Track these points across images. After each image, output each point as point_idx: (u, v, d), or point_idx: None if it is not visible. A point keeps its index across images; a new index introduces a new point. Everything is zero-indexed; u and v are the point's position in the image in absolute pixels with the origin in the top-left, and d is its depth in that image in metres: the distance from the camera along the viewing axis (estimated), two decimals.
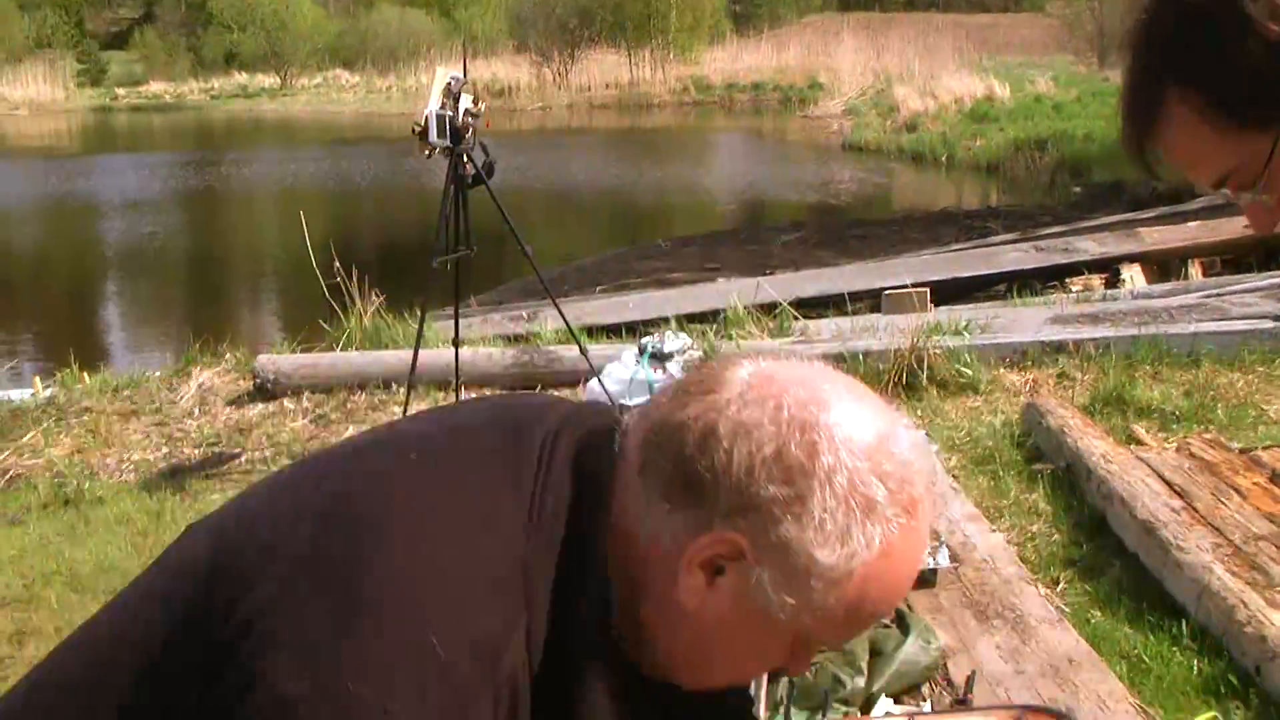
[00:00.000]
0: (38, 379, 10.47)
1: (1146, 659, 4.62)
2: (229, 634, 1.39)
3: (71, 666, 1.59)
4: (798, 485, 1.40)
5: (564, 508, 1.46)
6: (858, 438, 1.44)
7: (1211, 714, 3.61)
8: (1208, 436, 6.67)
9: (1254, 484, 5.87)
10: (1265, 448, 6.46)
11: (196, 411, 9.37)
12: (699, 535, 1.42)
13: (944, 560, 5.05)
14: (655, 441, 1.46)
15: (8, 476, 8.31)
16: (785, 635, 1.47)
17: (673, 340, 8.55)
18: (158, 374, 10.39)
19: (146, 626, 1.51)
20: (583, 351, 8.39)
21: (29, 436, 8.94)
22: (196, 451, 8.62)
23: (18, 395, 9.84)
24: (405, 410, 7.64)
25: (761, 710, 3.11)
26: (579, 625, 1.44)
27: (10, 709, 1.59)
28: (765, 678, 3.13)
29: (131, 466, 8.43)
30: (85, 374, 10.21)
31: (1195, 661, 4.57)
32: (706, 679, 1.56)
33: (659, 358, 8.36)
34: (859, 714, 3.76)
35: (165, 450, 8.70)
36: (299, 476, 1.60)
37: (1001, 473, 6.76)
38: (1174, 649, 4.68)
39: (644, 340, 8.65)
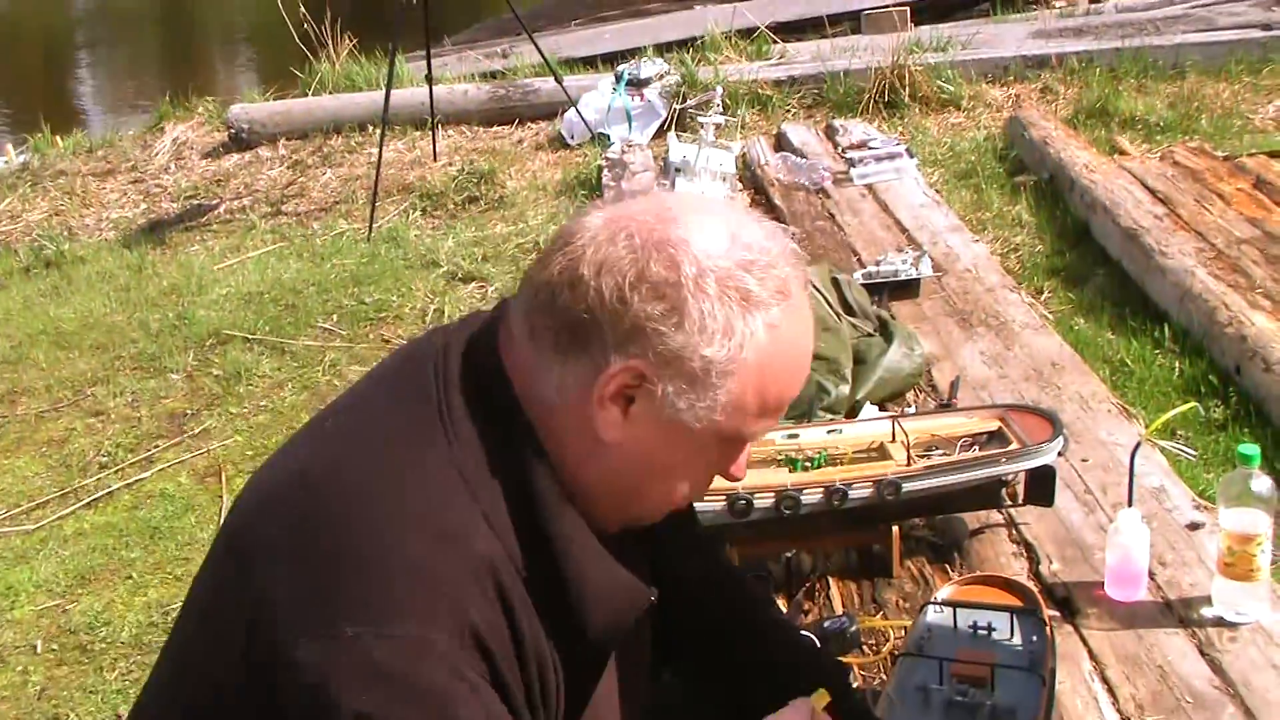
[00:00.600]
0: (10, 146, 10.31)
1: (1129, 362, 4.64)
2: (245, 629, 1.47)
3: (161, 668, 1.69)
4: (669, 298, 1.47)
5: (471, 405, 1.54)
6: (712, 241, 1.51)
7: (1191, 404, 3.64)
8: (1192, 145, 6.61)
9: (1238, 190, 5.84)
10: (1250, 154, 6.41)
11: (172, 166, 9.27)
12: (598, 374, 1.50)
13: (926, 270, 5.04)
14: (533, 306, 1.54)
15: None
16: (710, 441, 1.55)
17: (650, 65, 8.41)
18: (131, 132, 10.25)
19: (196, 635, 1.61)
20: (559, 81, 8.25)
21: (5, 203, 8.86)
22: (174, 205, 8.55)
23: None
24: (380, 150, 7.54)
25: None
26: (536, 496, 1.52)
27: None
28: None
29: (110, 225, 8.37)
30: (58, 138, 10.07)
31: (1176, 363, 4.60)
32: (659, 507, 1.64)
33: (636, 84, 8.23)
34: (844, 420, 3.77)
35: (143, 206, 8.63)
36: (276, 468, 1.66)
37: (984, 186, 6.71)
38: (1155, 352, 4.71)
39: (620, 67, 8.50)
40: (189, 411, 5.46)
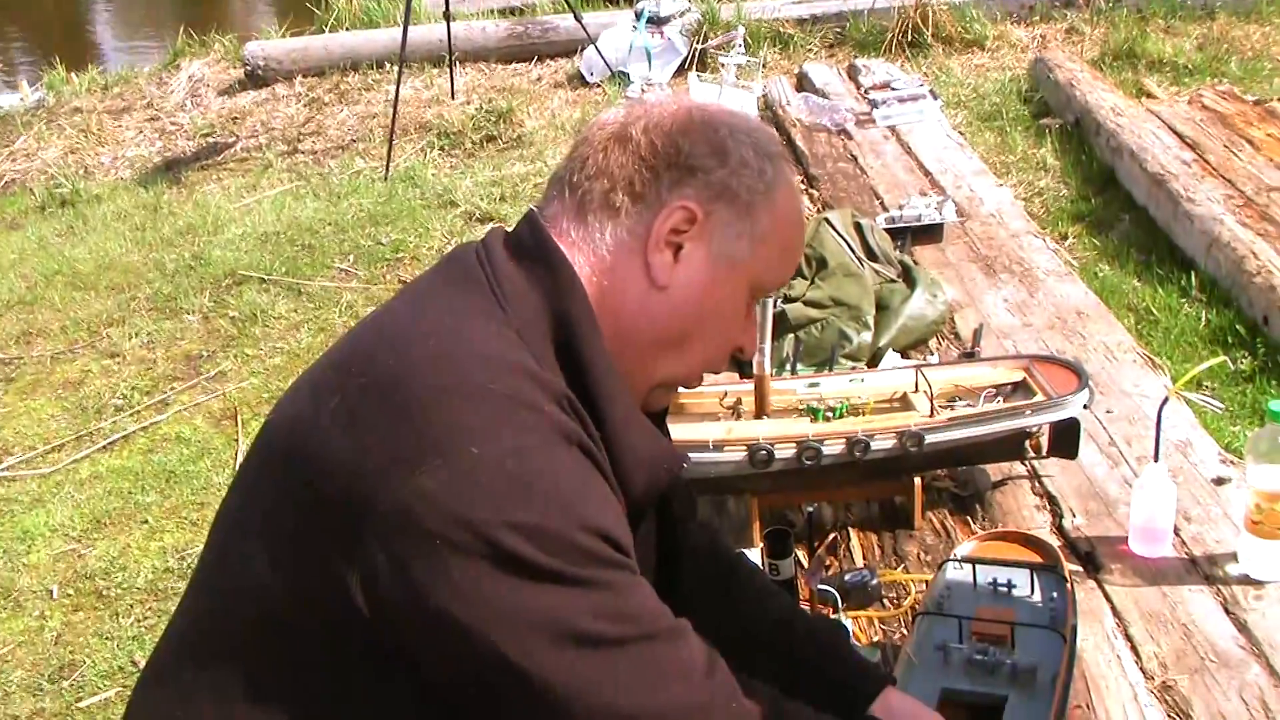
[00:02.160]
0: (24, 83, 10.25)
1: (1154, 311, 4.59)
2: (331, 495, 1.44)
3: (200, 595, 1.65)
4: (712, 142, 1.64)
5: (521, 278, 1.59)
6: (731, 109, 1.73)
7: (1220, 359, 3.59)
8: (1221, 88, 6.52)
9: (1268, 135, 5.76)
10: None
11: (188, 104, 9.22)
12: (655, 217, 1.62)
13: (950, 215, 4.98)
14: (580, 175, 1.65)
15: (3, 182, 8.24)
16: (742, 286, 1.68)
17: (670, 3, 8.32)
18: (147, 69, 10.19)
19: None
20: (578, 18, 8.17)
21: (20, 141, 8.82)
22: (190, 144, 8.51)
23: (6, 101, 9.66)
24: (397, 88, 7.48)
25: (767, 367, 3.08)
26: (586, 361, 1.56)
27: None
28: (770, 333, 3.09)
29: (126, 163, 8.34)
30: (73, 75, 10.01)
31: (1203, 312, 4.55)
32: (691, 365, 1.71)
33: (656, 21, 8.15)
34: (865, 368, 3.73)
35: (159, 144, 8.60)
36: (319, 366, 1.65)
37: (1009, 128, 6.64)
38: (1182, 301, 4.66)
39: (640, 4, 8.40)
40: (204, 353, 5.44)
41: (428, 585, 1.38)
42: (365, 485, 1.40)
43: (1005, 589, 2.49)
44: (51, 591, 3.89)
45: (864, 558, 3.08)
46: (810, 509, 2.57)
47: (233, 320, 5.70)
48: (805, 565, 2.62)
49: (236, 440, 4.64)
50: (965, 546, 2.65)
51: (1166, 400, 2.95)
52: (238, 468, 1.68)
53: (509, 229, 1.70)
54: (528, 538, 1.38)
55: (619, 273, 1.63)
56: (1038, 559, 2.59)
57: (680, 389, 1.82)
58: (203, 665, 1.57)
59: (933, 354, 4.06)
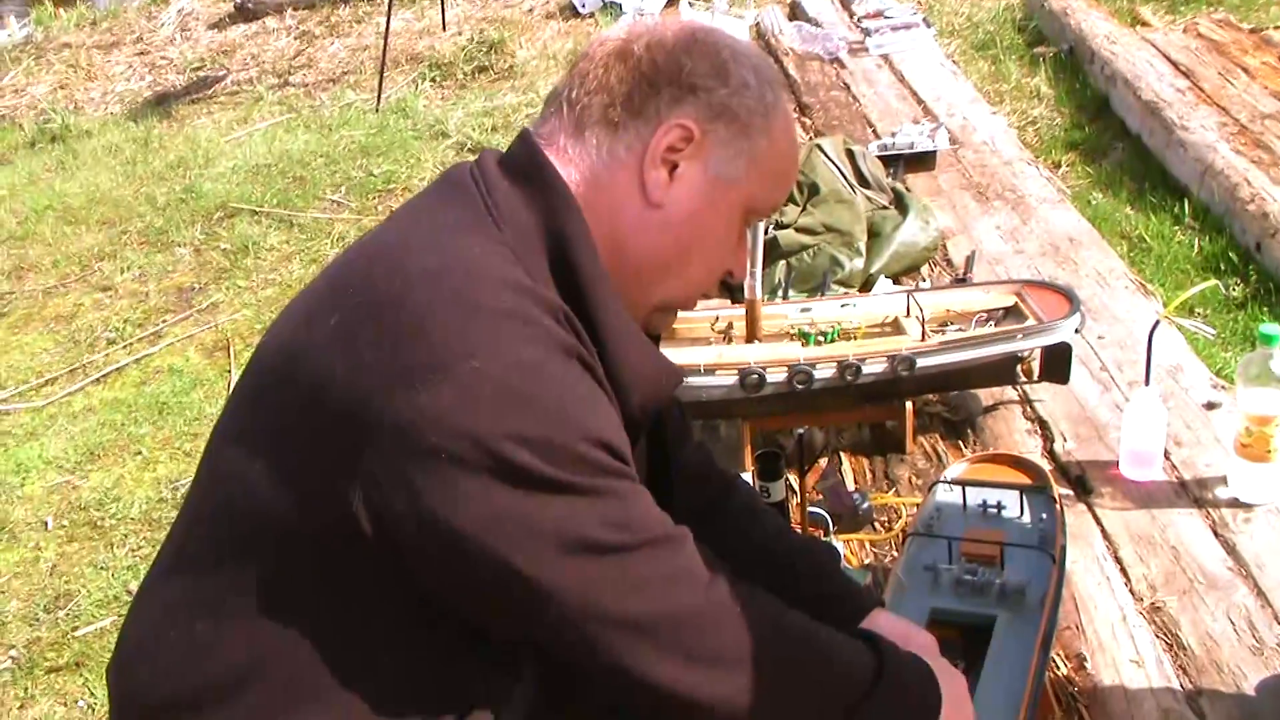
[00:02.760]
0: (11, 18, 10.17)
1: (1147, 238, 4.58)
2: (337, 407, 1.43)
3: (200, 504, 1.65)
4: (713, 61, 1.63)
5: (516, 195, 1.59)
6: (733, 34, 1.71)
7: (1212, 282, 3.59)
8: (1217, 17, 6.48)
9: (1263, 63, 5.73)
10: (1276, 27, 6.28)
11: (178, 38, 9.16)
12: (653, 132, 1.60)
13: (943, 142, 4.96)
14: (580, 89, 1.64)
15: None
16: (736, 207, 1.68)
17: None
18: (136, 4, 10.11)
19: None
20: None
21: (9, 77, 8.77)
22: (180, 78, 8.46)
23: None
24: (388, 19, 7.43)
25: (758, 291, 3.07)
26: (583, 277, 1.56)
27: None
28: (761, 259, 3.08)
29: (116, 98, 8.29)
30: (61, 10, 9.93)
31: (1196, 240, 4.53)
32: (684, 287, 1.70)
33: None
34: (857, 294, 3.73)
35: (149, 79, 8.55)
36: (313, 287, 1.65)
37: (1002, 57, 6.60)
38: (1175, 228, 4.64)
39: None
40: (196, 286, 5.43)
41: (432, 500, 1.39)
42: (366, 403, 1.40)
43: (995, 510, 2.50)
44: (46, 523, 3.89)
45: (855, 482, 3.10)
46: (801, 432, 2.57)
47: (224, 252, 5.68)
48: (795, 488, 2.63)
49: (229, 371, 4.64)
50: (955, 469, 2.65)
51: (1158, 324, 2.95)
52: (230, 393, 1.67)
53: (508, 149, 1.69)
54: (531, 449, 1.39)
55: (614, 189, 1.62)
56: (1027, 481, 2.59)
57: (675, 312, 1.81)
58: (196, 584, 1.57)
59: (925, 280, 4.06)
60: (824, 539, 2.72)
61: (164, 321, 5.12)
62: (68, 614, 3.46)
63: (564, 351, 1.47)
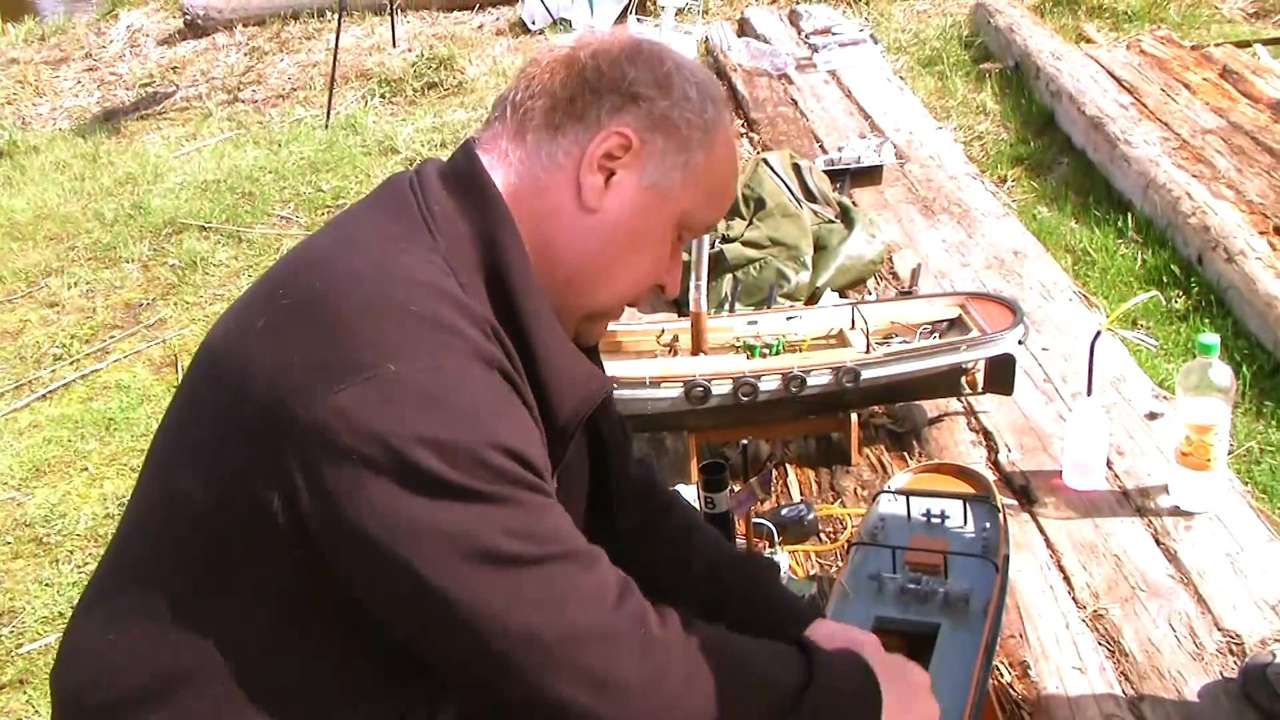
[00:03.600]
0: None
1: (1091, 251, 4.62)
2: (256, 412, 1.44)
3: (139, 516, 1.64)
4: (657, 72, 1.65)
5: (452, 204, 1.60)
6: (677, 50, 1.73)
7: (1153, 294, 3.63)
8: (1160, 34, 6.56)
9: (1204, 79, 5.79)
10: (1217, 44, 6.35)
11: (127, 54, 9.12)
12: (592, 138, 1.62)
13: (889, 157, 4.99)
14: (524, 94, 1.66)
15: None
16: (670, 219, 1.68)
17: None
18: (85, 19, 10.06)
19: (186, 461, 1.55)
20: None
21: None
22: (129, 94, 8.42)
23: None
24: (338, 36, 7.42)
25: (703, 304, 3.09)
26: (515, 288, 1.56)
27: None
28: (706, 272, 3.09)
29: (64, 114, 8.24)
30: (8, 25, 9.87)
31: (1139, 253, 4.58)
32: (616, 294, 1.71)
33: None
34: (803, 307, 3.74)
35: (98, 95, 8.50)
36: (250, 292, 1.65)
37: (949, 73, 6.65)
38: (1119, 242, 4.69)
39: None
40: (144, 301, 5.40)
41: (342, 501, 1.39)
42: (286, 401, 1.41)
43: (939, 519, 2.51)
44: None
45: (801, 493, 3.11)
46: (745, 443, 2.58)
47: (172, 268, 5.65)
48: (756, 493, 2.64)
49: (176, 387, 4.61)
50: (899, 478, 2.67)
51: (1099, 335, 2.98)
52: (170, 400, 1.67)
53: (449, 158, 1.70)
54: (438, 453, 1.39)
55: (551, 193, 1.63)
56: (971, 490, 2.60)
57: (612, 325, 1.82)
58: (134, 589, 1.58)
59: (871, 294, 4.08)
60: (769, 550, 2.73)
61: (111, 337, 5.09)
62: (12, 631, 3.43)
63: (485, 362, 1.47)
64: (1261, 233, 4.29)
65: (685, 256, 3.22)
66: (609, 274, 1.68)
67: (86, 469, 4.17)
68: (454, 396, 1.42)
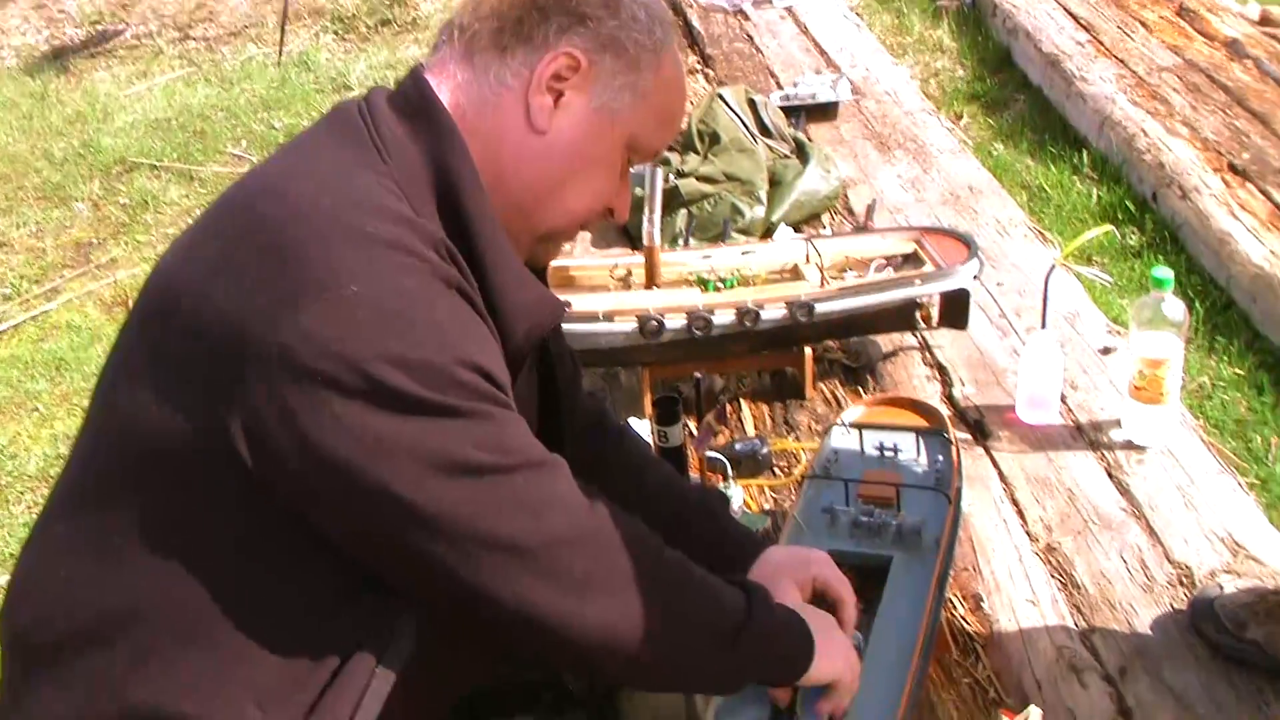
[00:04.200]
0: None
1: (1047, 188, 4.63)
2: (214, 341, 1.43)
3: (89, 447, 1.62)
4: None
5: (402, 128, 1.59)
6: None
7: (1107, 227, 3.62)
8: None
9: (1161, 17, 5.78)
10: None
11: None
12: (540, 59, 1.61)
13: (845, 93, 4.97)
14: (472, 15, 1.65)
15: None
16: (619, 141, 1.69)
17: None
18: None
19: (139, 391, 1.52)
20: None
21: None
22: (79, 31, 8.30)
23: None
24: None
25: (656, 238, 3.07)
26: (467, 211, 1.56)
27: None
28: (660, 208, 3.07)
29: (12, 52, 8.12)
30: None
31: (1094, 190, 4.58)
32: (567, 216, 1.71)
33: None
34: (758, 242, 3.72)
35: (46, 33, 8.37)
36: (198, 223, 1.63)
37: (906, 9, 6.62)
38: (1074, 178, 4.70)
39: None
40: (95, 241, 5.35)
41: (306, 424, 1.38)
42: (246, 328, 1.39)
43: (891, 453, 2.51)
44: None
45: (755, 427, 3.10)
46: (699, 376, 2.56)
47: (123, 207, 5.60)
48: (695, 433, 2.62)
49: None
50: (852, 411, 2.66)
51: (1053, 268, 2.97)
52: (119, 331, 1.65)
53: (398, 85, 1.69)
54: (406, 370, 1.39)
55: (500, 115, 1.62)
56: (924, 423, 2.60)
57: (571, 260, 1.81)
58: (85, 523, 1.56)
59: (826, 229, 4.07)
60: (722, 484, 2.73)
61: (62, 277, 5.05)
62: None
63: (444, 281, 1.47)
64: (1216, 170, 4.30)
65: (639, 191, 3.22)
66: (559, 195, 1.67)
67: (37, 409, 4.14)
68: (417, 315, 1.42)
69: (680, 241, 3.72)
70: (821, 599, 2.02)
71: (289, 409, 1.38)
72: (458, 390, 1.43)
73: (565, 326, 2.87)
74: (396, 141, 1.57)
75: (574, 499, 1.57)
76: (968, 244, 3.17)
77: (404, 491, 1.41)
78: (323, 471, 1.40)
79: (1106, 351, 3.30)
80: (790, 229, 3.94)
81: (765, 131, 4.27)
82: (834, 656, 1.87)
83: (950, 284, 3.07)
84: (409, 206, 1.52)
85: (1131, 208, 4.40)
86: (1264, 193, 4.12)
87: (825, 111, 4.88)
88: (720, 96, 4.25)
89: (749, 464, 2.88)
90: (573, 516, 1.55)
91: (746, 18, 6.29)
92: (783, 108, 4.68)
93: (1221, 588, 2.41)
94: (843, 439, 2.56)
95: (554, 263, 3.22)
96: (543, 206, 1.67)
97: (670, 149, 4.10)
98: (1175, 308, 2.80)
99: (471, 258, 1.55)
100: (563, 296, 3.05)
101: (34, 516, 3.48)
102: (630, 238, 3.89)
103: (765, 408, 3.19)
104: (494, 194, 1.60)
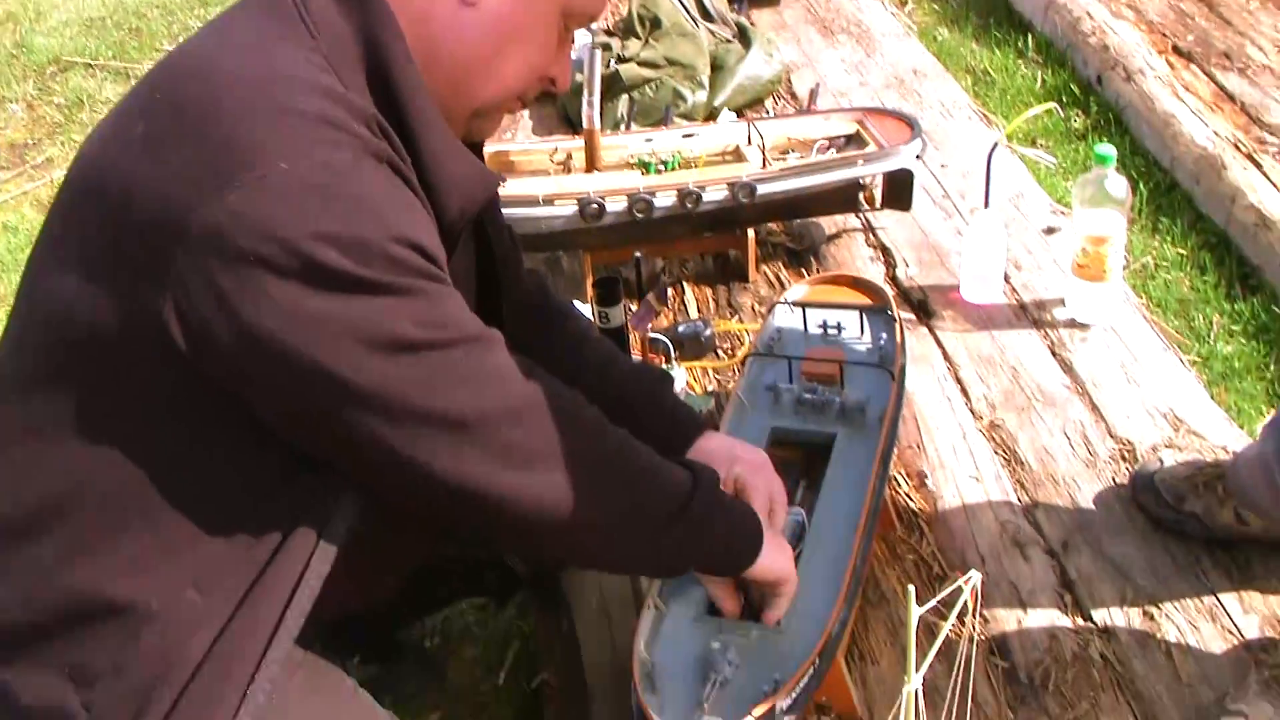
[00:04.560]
0: None
1: (992, 72, 4.60)
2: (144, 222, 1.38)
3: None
4: None
5: (331, 8, 1.52)
6: None
7: (1050, 104, 3.60)
8: None
9: None
10: None
11: None
12: None
13: None
14: None
15: None
16: (554, 6, 1.62)
17: None
18: None
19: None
20: None
21: None
22: None
23: None
24: None
25: (596, 121, 3.02)
26: (397, 82, 1.51)
27: None
28: (599, 90, 3.03)
29: None
30: None
31: (1039, 73, 4.56)
32: (502, 90, 1.64)
33: None
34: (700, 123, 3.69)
35: None
36: (122, 105, 1.57)
37: None
38: (1019, 62, 4.67)
39: None
40: (30, 141, 5.26)
41: (240, 304, 1.35)
42: (175, 208, 1.35)
43: (835, 330, 2.50)
44: None
45: (699, 310, 3.09)
46: (638, 256, 2.53)
47: (58, 107, 5.50)
48: (654, 305, 2.60)
49: None
50: (796, 290, 2.64)
51: (995, 147, 2.95)
52: (45, 217, 1.60)
53: None
54: (340, 248, 1.35)
55: None
56: (868, 301, 2.59)
57: (511, 143, 1.76)
58: (16, 408, 1.52)
59: (769, 114, 4.03)
60: (665, 366, 2.71)
61: None
62: None
63: (375, 156, 1.43)
64: (1160, 52, 4.28)
65: (578, 77, 3.17)
66: (493, 68, 1.61)
67: None
68: (349, 191, 1.38)
69: (622, 127, 3.68)
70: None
71: (221, 290, 1.35)
72: (392, 266, 1.40)
73: (505, 211, 2.85)
74: (325, 17, 1.51)
75: (512, 373, 1.55)
76: (910, 124, 3.15)
77: (340, 369, 1.39)
78: (257, 352, 1.37)
79: (1050, 231, 3.30)
80: (733, 114, 3.91)
81: (707, 16, 4.22)
82: (778, 554, 1.87)
83: (893, 164, 3.04)
84: (338, 80, 1.47)
85: (1076, 91, 4.38)
86: (1208, 74, 4.11)
87: None
88: None
89: (692, 346, 2.86)
90: (511, 390, 1.54)
91: None
92: None
93: (1162, 462, 2.41)
94: (786, 317, 2.54)
95: (493, 147, 3.20)
96: (476, 79, 1.62)
97: (611, 34, 4.05)
98: (1118, 184, 2.79)
99: (403, 131, 1.51)
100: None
101: None
102: (571, 124, 3.85)
103: (709, 290, 3.18)
104: (427, 70, 1.55)
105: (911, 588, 1.10)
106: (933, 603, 1.19)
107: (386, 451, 1.44)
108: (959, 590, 1.02)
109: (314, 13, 1.51)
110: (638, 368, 2.18)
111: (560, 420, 1.57)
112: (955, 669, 2.03)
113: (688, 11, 4.11)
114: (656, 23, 4.03)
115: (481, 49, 1.60)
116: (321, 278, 1.35)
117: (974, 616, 2.20)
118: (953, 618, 0.95)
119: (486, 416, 1.49)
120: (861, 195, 3.10)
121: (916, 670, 0.93)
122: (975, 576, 1.00)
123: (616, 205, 2.91)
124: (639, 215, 2.92)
